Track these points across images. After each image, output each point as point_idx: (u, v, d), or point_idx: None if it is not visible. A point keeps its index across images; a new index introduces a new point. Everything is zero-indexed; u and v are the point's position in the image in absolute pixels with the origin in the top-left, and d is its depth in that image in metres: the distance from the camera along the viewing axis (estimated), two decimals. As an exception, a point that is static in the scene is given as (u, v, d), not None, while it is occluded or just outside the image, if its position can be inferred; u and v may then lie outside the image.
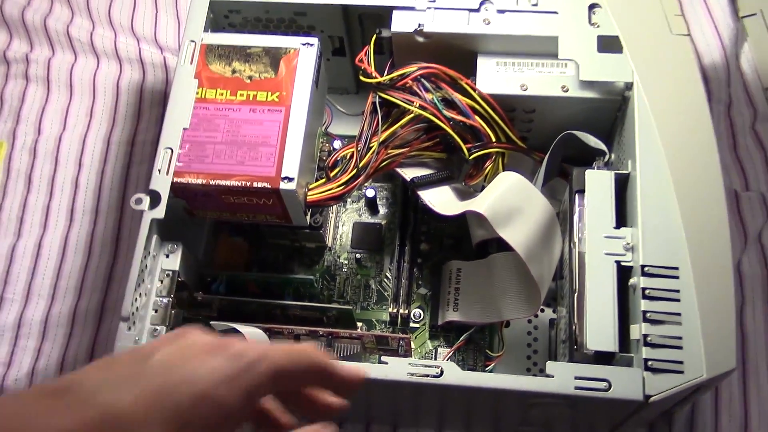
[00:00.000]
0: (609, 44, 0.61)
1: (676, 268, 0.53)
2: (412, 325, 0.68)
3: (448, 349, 0.66)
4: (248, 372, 0.36)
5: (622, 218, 0.57)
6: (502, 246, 0.61)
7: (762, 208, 0.71)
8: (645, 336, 0.51)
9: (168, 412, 0.34)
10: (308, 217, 0.63)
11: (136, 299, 0.55)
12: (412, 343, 0.64)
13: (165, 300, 0.58)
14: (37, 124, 0.80)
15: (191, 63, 0.62)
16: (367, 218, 0.73)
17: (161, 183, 0.58)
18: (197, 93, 0.61)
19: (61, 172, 0.78)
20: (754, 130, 0.75)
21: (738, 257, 0.70)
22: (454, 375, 0.51)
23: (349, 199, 0.73)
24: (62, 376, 0.36)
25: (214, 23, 0.68)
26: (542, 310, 0.67)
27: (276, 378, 0.37)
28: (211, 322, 0.59)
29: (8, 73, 0.83)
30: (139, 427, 0.33)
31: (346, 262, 0.71)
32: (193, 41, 0.63)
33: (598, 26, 0.62)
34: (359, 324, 0.67)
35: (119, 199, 0.77)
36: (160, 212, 0.57)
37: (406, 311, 0.67)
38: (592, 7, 0.63)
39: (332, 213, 0.72)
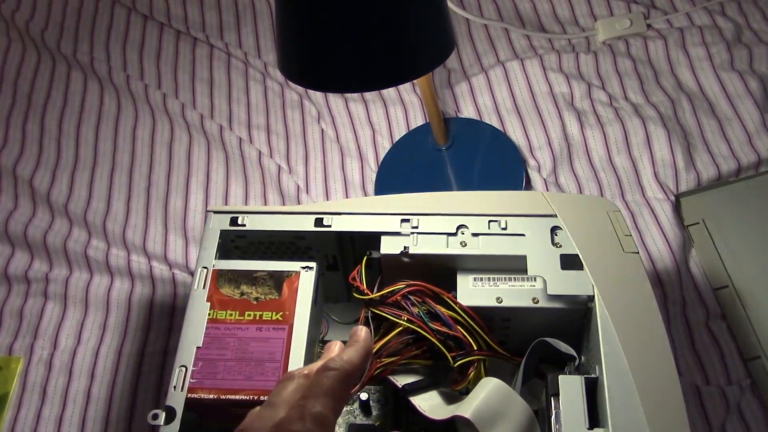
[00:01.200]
0: (570, 262, 0.70)
1: (645, 467, 0.58)
2: None
3: None
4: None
5: (594, 418, 0.63)
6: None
7: (722, 400, 0.78)
8: None
9: None
10: (309, 425, 0.69)
11: None
12: None
13: None
14: (54, 338, 0.87)
15: (204, 287, 0.70)
16: (361, 419, 0.78)
17: (176, 399, 0.63)
18: (209, 314, 0.68)
19: (75, 384, 0.84)
20: (708, 328, 0.83)
21: (707, 450, 0.75)
22: None
23: (344, 403, 0.79)
24: None
25: (223, 248, 0.76)
26: None
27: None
28: None
29: (28, 292, 0.91)
30: None
31: (344, 463, 0.75)
32: (205, 267, 0.71)
33: (560, 246, 0.71)
34: None
35: (129, 409, 0.82)
36: (175, 427, 0.62)
37: None
38: (554, 229, 0.72)
39: (329, 417, 0.77)
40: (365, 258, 0.73)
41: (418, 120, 1.05)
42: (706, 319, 0.84)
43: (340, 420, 0.78)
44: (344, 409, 0.77)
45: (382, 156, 1.02)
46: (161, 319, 0.89)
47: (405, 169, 1.00)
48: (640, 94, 1.02)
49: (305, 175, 1.01)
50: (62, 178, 1.02)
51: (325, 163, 1.02)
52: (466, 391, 0.69)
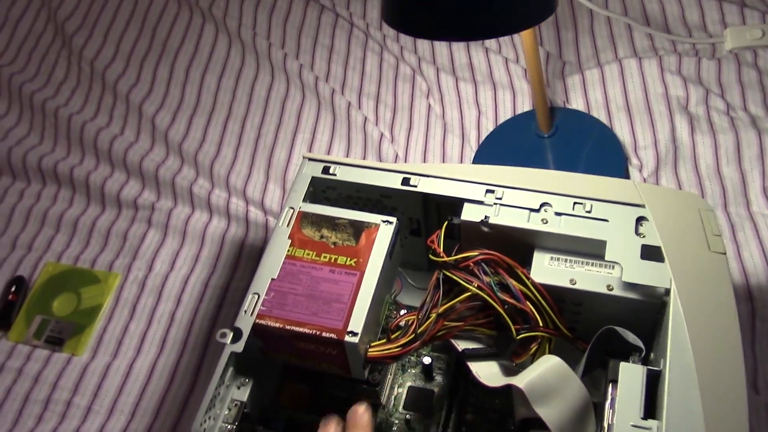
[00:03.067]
0: (651, 253, 0.68)
1: (695, 462, 0.57)
2: (450, 490, 0.72)
3: None
4: None
5: (651, 410, 0.62)
6: (541, 426, 0.66)
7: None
8: None
9: None
10: (366, 372, 0.71)
11: (205, 420, 0.63)
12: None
13: (230, 427, 0.65)
14: (150, 262, 0.93)
15: (288, 225, 0.73)
16: (422, 383, 0.79)
17: (245, 322, 0.67)
18: (288, 251, 0.72)
19: (162, 305, 0.89)
20: (796, 350, 0.79)
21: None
22: None
23: (408, 364, 0.80)
24: None
25: (313, 195, 0.79)
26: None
27: None
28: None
29: (135, 217, 0.98)
30: None
31: (397, 421, 0.77)
32: (292, 208, 0.75)
33: (644, 236, 0.70)
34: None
35: (206, 335, 0.87)
36: (239, 347, 0.65)
37: (446, 475, 0.71)
38: (639, 219, 0.71)
39: (391, 374, 0.79)
40: (446, 222, 0.74)
41: (525, 107, 1.04)
42: (795, 342, 0.80)
43: (401, 380, 0.79)
44: (408, 371, 0.79)
45: (484, 138, 1.02)
46: (249, 259, 0.93)
47: (504, 151, 1.00)
48: (761, 107, 0.97)
49: (406, 145, 1.03)
50: (181, 120, 1.09)
51: (427, 137, 1.04)
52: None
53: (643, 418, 0.61)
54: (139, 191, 1.00)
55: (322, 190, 0.80)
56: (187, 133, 1.07)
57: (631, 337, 0.68)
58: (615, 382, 0.64)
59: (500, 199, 0.74)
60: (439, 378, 0.79)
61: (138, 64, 1.16)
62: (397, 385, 0.79)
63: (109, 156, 1.04)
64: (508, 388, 0.69)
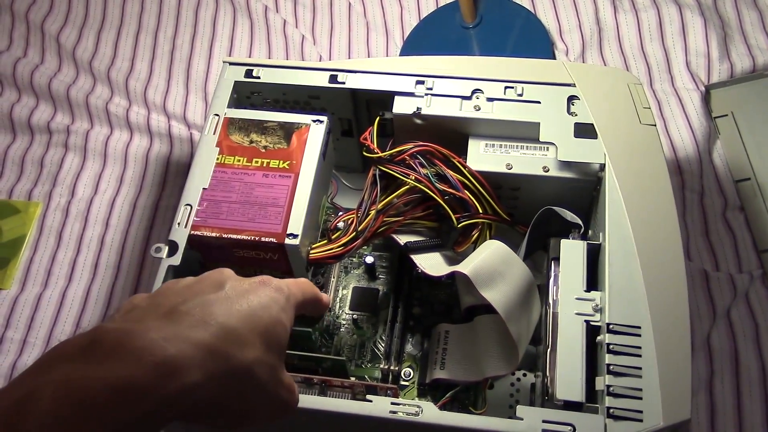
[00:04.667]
0: (584, 131, 0.69)
1: (638, 327, 0.58)
2: (402, 382, 0.72)
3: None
4: (289, 302, 0.48)
5: (593, 283, 0.63)
6: (488, 311, 0.67)
7: (730, 287, 0.77)
8: (608, 387, 0.56)
9: (261, 330, 0.44)
10: (309, 274, 0.70)
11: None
12: (400, 396, 0.68)
13: (174, 341, 0.64)
14: (72, 187, 0.89)
15: (214, 133, 0.70)
16: (366, 283, 0.79)
17: (179, 235, 0.65)
18: (217, 159, 0.69)
19: (90, 230, 0.86)
20: (724, 217, 0.81)
21: (707, 332, 0.75)
22: (432, 414, 0.56)
23: (350, 266, 0.80)
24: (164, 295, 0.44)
25: (238, 102, 0.76)
26: (524, 374, 0.72)
27: (301, 306, 0.51)
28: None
29: (50, 142, 0.92)
30: (246, 342, 0.42)
31: (344, 322, 0.77)
32: (217, 115, 0.72)
33: (576, 115, 0.70)
34: (352, 378, 0.72)
35: (140, 256, 0.84)
36: (176, 260, 0.63)
37: (397, 369, 0.72)
38: (571, 98, 0.71)
39: (334, 277, 0.78)
40: (378, 118, 0.73)
41: (448, -1, 1.02)
42: (723, 210, 0.82)
43: (345, 281, 0.79)
44: (351, 273, 0.79)
45: (408, 33, 1.00)
46: (176, 176, 0.90)
47: (430, 45, 0.98)
48: (681, -19, 0.98)
49: (329, 47, 1.00)
50: (88, 36, 1.02)
51: (350, 36, 1.01)
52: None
53: (586, 291, 0.62)
54: (51, 115, 0.94)
55: (247, 96, 0.77)
56: (96, 50, 1.01)
57: (570, 215, 0.69)
58: (557, 259, 0.65)
59: (431, 89, 0.73)
60: (383, 276, 0.79)
61: (33, -20, 1.08)
62: (341, 287, 0.79)
63: (14, 80, 0.97)
64: (453, 277, 0.69)
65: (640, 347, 0.57)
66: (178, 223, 0.65)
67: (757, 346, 0.74)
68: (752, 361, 0.73)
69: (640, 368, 0.56)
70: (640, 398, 0.55)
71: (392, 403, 0.57)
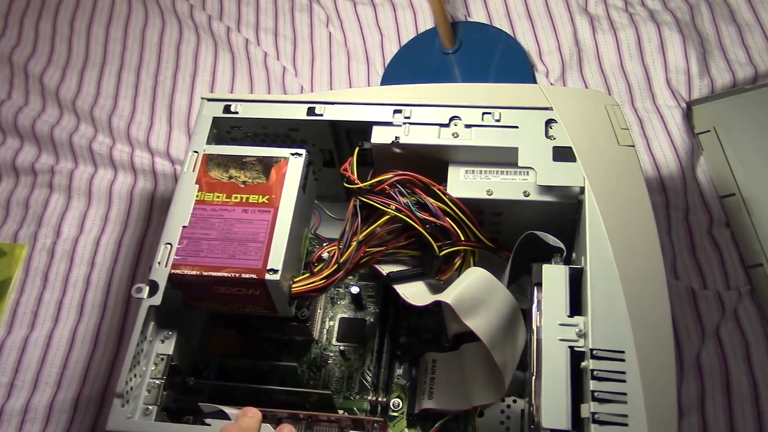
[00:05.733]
0: (563, 154, 0.68)
1: (622, 352, 0.57)
2: (391, 413, 0.72)
3: (424, 436, 0.70)
4: None
5: (576, 308, 0.63)
6: (474, 338, 0.66)
7: (718, 305, 0.76)
8: (593, 414, 0.55)
9: None
10: (293, 309, 0.69)
11: (131, 379, 0.61)
12: (389, 429, 0.68)
13: (158, 382, 0.63)
14: (57, 227, 0.89)
15: (194, 170, 0.70)
16: (352, 314, 0.79)
17: (160, 274, 0.64)
18: (197, 196, 0.69)
19: (75, 270, 0.85)
20: (710, 234, 0.81)
21: (697, 351, 0.74)
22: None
23: (337, 296, 0.79)
24: None
25: (218, 137, 0.76)
26: (514, 401, 0.71)
27: None
28: (200, 404, 0.64)
29: (35, 183, 0.93)
30: None
31: (332, 354, 0.76)
32: (196, 152, 0.72)
33: (554, 138, 0.70)
34: (341, 411, 0.71)
35: (126, 295, 0.84)
36: (157, 300, 0.63)
37: (386, 400, 0.71)
38: (549, 122, 0.71)
39: (320, 309, 0.78)
40: (357, 149, 0.73)
41: (427, 25, 1.02)
42: (709, 227, 0.82)
43: (332, 312, 0.78)
44: (337, 303, 0.78)
45: (389, 61, 1.00)
46: (161, 212, 0.90)
47: (411, 72, 0.98)
48: (658, 0, 0.98)
49: (311, 77, 1.00)
50: (72, 76, 1.03)
51: (331, 66, 1.01)
52: (452, 283, 0.69)
53: (569, 316, 0.61)
54: (35, 156, 0.94)
55: (227, 130, 0.77)
56: (79, 89, 1.01)
57: (552, 239, 0.69)
58: (540, 285, 0.65)
59: (409, 118, 0.73)
60: (370, 306, 0.79)
61: (17, 22, 1.09)
62: (328, 318, 0.78)
63: (-1, 123, 0.98)
64: (438, 306, 0.69)
65: (624, 372, 0.57)
66: (159, 263, 0.65)
67: (748, 363, 0.73)
68: (743, 379, 0.72)
69: (625, 394, 0.56)
70: (626, 425, 0.55)
71: (377, 440, 0.56)
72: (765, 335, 0.75)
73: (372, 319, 0.77)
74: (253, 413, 0.58)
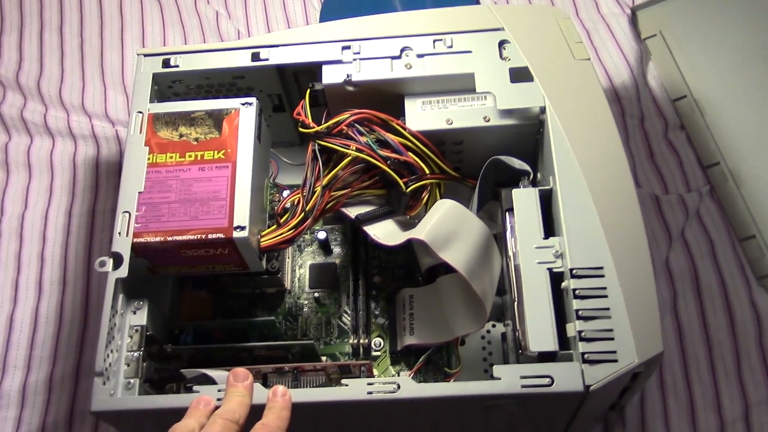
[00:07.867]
0: (520, 75, 0.67)
1: (601, 268, 0.58)
2: (373, 353, 0.72)
3: (409, 372, 0.70)
4: None
5: (550, 229, 0.63)
6: (448, 270, 0.66)
7: (681, 208, 0.77)
8: (580, 332, 0.56)
9: None
10: (264, 263, 0.68)
11: (108, 355, 0.59)
12: (374, 369, 0.68)
13: (136, 354, 0.61)
14: (0, 205, 0.84)
15: (140, 132, 0.67)
16: (321, 259, 0.77)
17: (122, 244, 0.62)
18: (149, 159, 0.66)
19: (27, 247, 0.82)
20: (667, 139, 0.82)
21: (665, 255, 0.75)
22: (410, 388, 0.55)
23: (303, 243, 0.78)
24: None
25: (160, 94, 0.73)
26: (494, 325, 0.71)
27: None
28: (182, 370, 0.62)
29: (-33, 161, 0.87)
30: None
31: (306, 302, 0.75)
32: (140, 112, 0.68)
33: (509, 59, 0.68)
34: (323, 358, 0.71)
35: (85, 267, 0.80)
36: (123, 272, 0.61)
37: (367, 341, 0.71)
38: (501, 43, 0.69)
39: (289, 258, 0.77)
40: (308, 90, 0.70)
41: (362, -48, 0.98)
42: (665, 131, 0.82)
43: (301, 260, 0.77)
44: (305, 250, 0.77)
45: (326, -7, 0.96)
46: (109, 177, 0.86)
47: (349, 5, 0.94)
48: None
49: (246, 19, 0.96)
50: (-11, 43, 0.96)
51: (266, 5, 0.97)
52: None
53: (544, 238, 0.62)
54: (-37, 132, 0.89)
55: (168, 85, 0.74)
56: (-1, 56, 0.95)
57: (517, 163, 0.68)
58: (511, 210, 0.64)
59: (358, 53, 0.70)
60: (337, 249, 0.78)
61: None
62: (297, 267, 0.77)
63: None
64: (410, 243, 0.68)
65: (605, 287, 0.57)
66: (119, 233, 0.62)
67: (715, 261, 0.75)
68: (712, 277, 0.74)
69: (608, 309, 0.56)
70: (612, 339, 0.56)
71: (368, 384, 0.56)
72: (727, 232, 0.77)
73: (342, 262, 0.76)
74: (244, 375, 0.57)
